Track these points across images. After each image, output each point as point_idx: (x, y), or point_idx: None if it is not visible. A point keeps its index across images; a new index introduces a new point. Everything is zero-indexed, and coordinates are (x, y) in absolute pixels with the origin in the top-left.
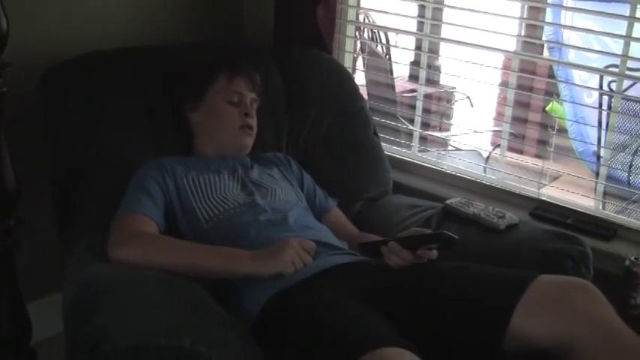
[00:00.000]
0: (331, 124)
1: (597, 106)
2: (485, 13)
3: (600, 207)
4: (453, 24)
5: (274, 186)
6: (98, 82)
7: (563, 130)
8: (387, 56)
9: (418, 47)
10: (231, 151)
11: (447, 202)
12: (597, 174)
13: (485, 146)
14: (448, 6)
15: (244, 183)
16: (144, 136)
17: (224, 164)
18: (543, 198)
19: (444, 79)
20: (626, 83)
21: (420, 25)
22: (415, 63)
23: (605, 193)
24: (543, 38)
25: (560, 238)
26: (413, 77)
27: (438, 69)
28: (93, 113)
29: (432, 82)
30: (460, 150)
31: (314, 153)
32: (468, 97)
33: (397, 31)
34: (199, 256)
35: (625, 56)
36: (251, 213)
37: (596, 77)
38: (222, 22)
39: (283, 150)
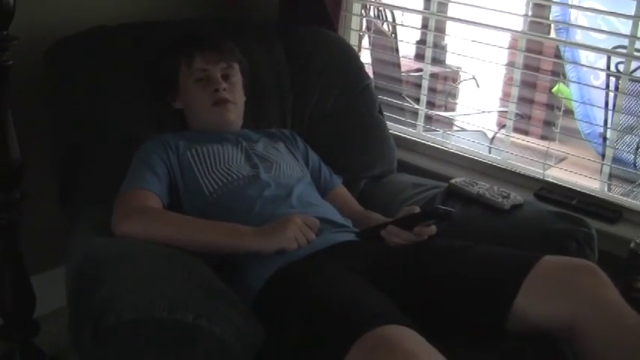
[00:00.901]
0: (336, 102)
1: (604, 87)
2: None
3: (606, 189)
4: (459, 2)
5: (279, 160)
6: (102, 57)
7: (569, 112)
8: (393, 35)
9: (424, 26)
10: (220, 128)
11: (452, 181)
12: (603, 156)
13: (490, 126)
14: None
15: (248, 155)
16: (147, 112)
17: (227, 137)
18: (548, 179)
19: (450, 59)
20: (634, 64)
21: (427, 3)
22: (421, 42)
23: (610, 175)
24: (550, 18)
25: (564, 220)
26: (419, 56)
27: (444, 48)
28: (96, 88)
29: (438, 61)
30: (465, 130)
31: (318, 130)
32: (473, 77)
33: (403, 9)
34: (202, 231)
35: (633, 37)
36: (255, 187)
37: (604, 58)
38: None
39: (288, 126)
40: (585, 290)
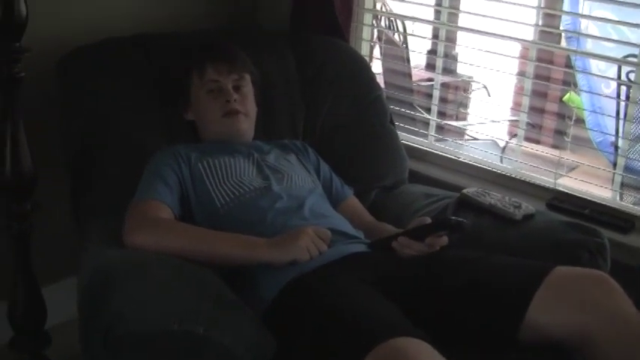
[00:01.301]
0: (347, 113)
1: (615, 96)
2: (502, 2)
3: (618, 198)
4: (470, 12)
5: (291, 172)
6: (114, 68)
7: (580, 121)
8: (404, 45)
9: (435, 36)
10: (231, 139)
11: (464, 191)
12: (615, 165)
13: (501, 136)
14: None
15: (260, 167)
16: (159, 124)
17: (239, 148)
18: (560, 188)
19: (461, 68)
20: None
21: (438, 13)
22: (432, 52)
23: (622, 184)
24: (561, 28)
25: (576, 230)
26: (430, 66)
27: (455, 58)
28: (107, 99)
29: (449, 71)
30: (477, 139)
31: (330, 141)
32: (484, 87)
33: (415, 19)
34: (215, 242)
35: None
36: (267, 198)
37: (614, 67)
38: (238, 7)
39: (300, 137)
40: (598, 301)
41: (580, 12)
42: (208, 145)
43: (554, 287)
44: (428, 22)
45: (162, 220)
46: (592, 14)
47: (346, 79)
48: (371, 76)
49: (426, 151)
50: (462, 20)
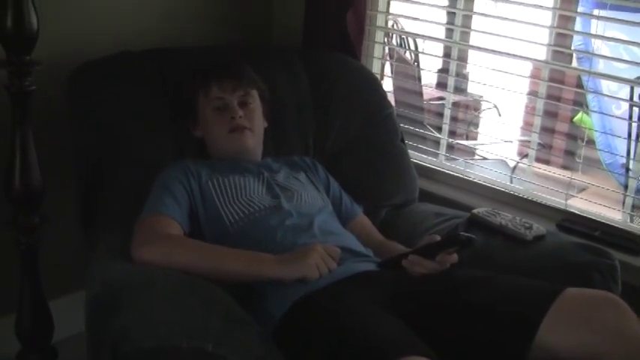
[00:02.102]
0: (358, 130)
1: (626, 117)
2: (514, 21)
3: (628, 220)
4: (482, 32)
5: (301, 190)
6: (125, 82)
7: (590, 141)
8: (416, 63)
9: (446, 54)
10: (239, 155)
11: (474, 211)
12: (626, 187)
13: (511, 156)
14: (478, 13)
15: (270, 185)
16: (169, 139)
17: (248, 167)
18: (571, 209)
19: (472, 87)
20: None
21: (449, 32)
22: (443, 70)
23: (633, 207)
24: (572, 47)
25: (587, 251)
26: (440, 84)
27: (465, 77)
28: (119, 113)
29: (459, 89)
30: (487, 159)
31: (340, 158)
32: (495, 106)
33: (426, 37)
34: (223, 258)
35: None
36: (277, 217)
37: (625, 88)
38: (251, 24)
39: (310, 154)
40: (608, 323)
41: (592, 32)
42: (218, 163)
43: (565, 309)
44: (440, 40)
45: (171, 236)
46: (604, 34)
47: (358, 97)
48: (382, 94)
49: (436, 170)
50: (473, 39)
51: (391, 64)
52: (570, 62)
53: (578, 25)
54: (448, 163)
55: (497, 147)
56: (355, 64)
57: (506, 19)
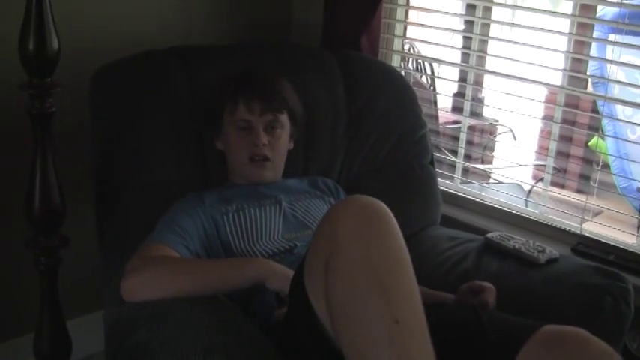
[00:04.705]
0: (389, 151)
1: None
2: (530, 46)
3: None
4: (498, 56)
5: None
6: (149, 85)
7: (605, 166)
8: (432, 87)
9: (462, 79)
10: (255, 181)
11: (488, 235)
12: None
13: (526, 179)
14: (494, 38)
15: (287, 220)
16: (192, 149)
17: (266, 194)
18: (586, 234)
19: (487, 111)
20: None
21: (465, 56)
22: (458, 94)
23: None
24: (587, 72)
25: (600, 274)
26: (456, 109)
27: (481, 101)
28: (139, 123)
29: (475, 114)
30: (502, 183)
31: (367, 180)
32: (510, 130)
33: (443, 62)
34: (213, 267)
35: None
36: (290, 259)
37: None
38: (270, 22)
39: (336, 171)
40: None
41: (607, 57)
42: (234, 190)
43: (538, 347)
44: (456, 64)
45: (156, 257)
46: (620, 59)
47: (395, 115)
48: (418, 113)
49: (452, 193)
50: (489, 63)
51: None
52: (585, 87)
53: (593, 50)
54: (464, 187)
55: (512, 171)
56: (396, 74)
57: (522, 44)
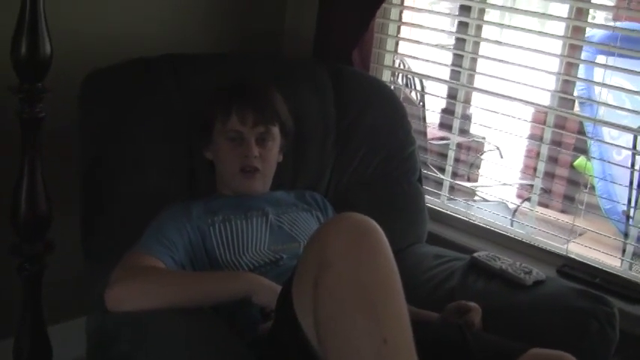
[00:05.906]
0: (378, 167)
1: (627, 163)
2: (520, 65)
3: (629, 268)
4: (487, 75)
5: (307, 240)
6: (138, 93)
7: (590, 187)
8: (421, 103)
9: (451, 95)
10: (244, 192)
11: (475, 254)
12: (626, 234)
13: (511, 198)
14: (485, 57)
15: (274, 232)
16: (180, 157)
17: (253, 205)
18: (571, 255)
19: (474, 129)
20: None
21: (455, 73)
22: (446, 111)
23: (633, 254)
24: (575, 94)
25: (586, 298)
26: (443, 125)
27: (469, 118)
28: (128, 130)
29: (462, 131)
30: (487, 201)
31: (354, 194)
32: (497, 148)
33: (433, 79)
34: (199, 280)
35: None
36: (276, 271)
37: (626, 135)
38: (262, 32)
39: (324, 184)
40: None
41: (595, 79)
42: (222, 201)
43: None
44: (447, 82)
45: (144, 267)
46: (608, 81)
47: (384, 131)
48: (408, 129)
49: (438, 210)
50: (478, 81)
51: None
52: (572, 108)
53: (581, 71)
54: (450, 204)
55: (497, 189)
56: (387, 90)
57: (511, 63)
